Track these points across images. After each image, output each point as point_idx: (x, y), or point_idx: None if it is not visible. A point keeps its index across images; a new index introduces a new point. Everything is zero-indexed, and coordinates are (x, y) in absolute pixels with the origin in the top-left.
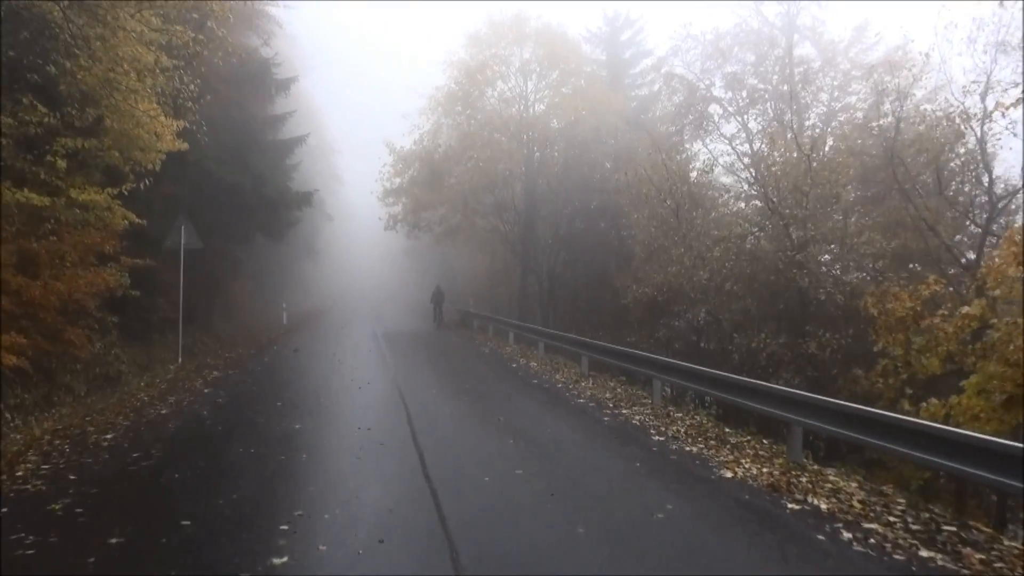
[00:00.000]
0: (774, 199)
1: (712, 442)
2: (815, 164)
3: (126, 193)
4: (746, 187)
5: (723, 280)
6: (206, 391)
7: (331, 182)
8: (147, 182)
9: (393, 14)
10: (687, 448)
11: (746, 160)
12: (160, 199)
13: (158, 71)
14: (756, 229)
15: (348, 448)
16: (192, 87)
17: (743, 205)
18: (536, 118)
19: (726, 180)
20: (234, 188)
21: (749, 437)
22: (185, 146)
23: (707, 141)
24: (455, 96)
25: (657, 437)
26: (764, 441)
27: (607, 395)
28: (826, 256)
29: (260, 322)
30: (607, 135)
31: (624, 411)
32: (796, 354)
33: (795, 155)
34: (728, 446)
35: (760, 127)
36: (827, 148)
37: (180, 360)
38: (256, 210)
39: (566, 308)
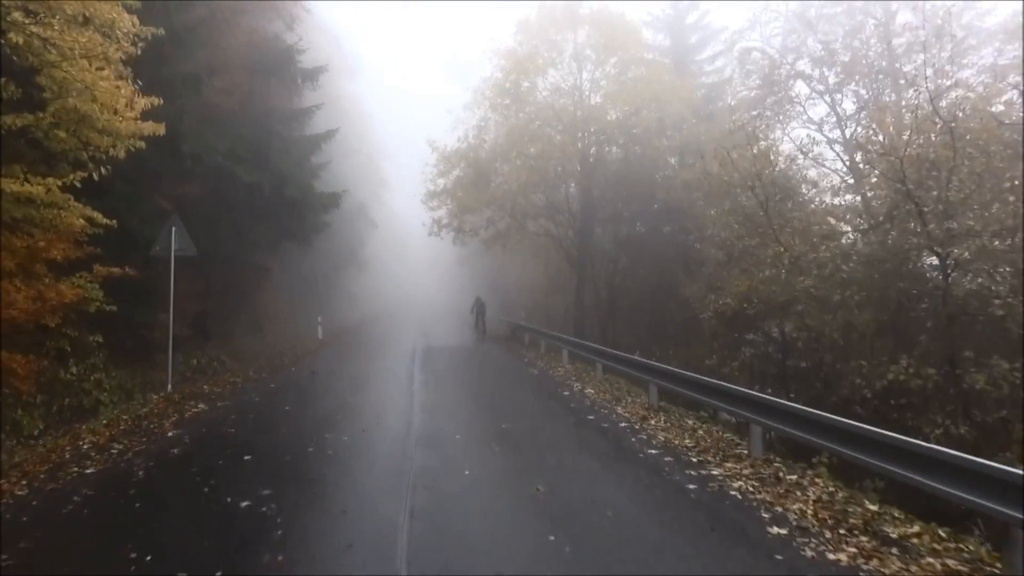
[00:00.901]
0: (901, 183)
1: (864, 538)
2: (962, 138)
3: (78, 185)
4: (838, 179)
5: (832, 288)
6: (170, 434)
7: (379, 189)
8: (104, 170)
9: (437, 14)
10: (831, 554)
11: (838, 147)
12: (161, 199)
13: (119, 35)
14: (863, 225)
15: (300, 554)
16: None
17: (837, 200)
18: (592, 109)
19: (811, 173)
20: (252, 189)
21: (918, 529)
22: (160, 129)
23: (789, 128)
24: (502, 88)
25: (776, 530)
26: (942, 532)
27: (686, 441)
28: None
29: (292, 337)
30: (672, 127)
31: (714, 470)
32: (947, 390)
33: (910, 135)
34: (894, 548)
35: (855, 107)
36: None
37: (169, 387)
38: (277, 213)
39: (626, 321)
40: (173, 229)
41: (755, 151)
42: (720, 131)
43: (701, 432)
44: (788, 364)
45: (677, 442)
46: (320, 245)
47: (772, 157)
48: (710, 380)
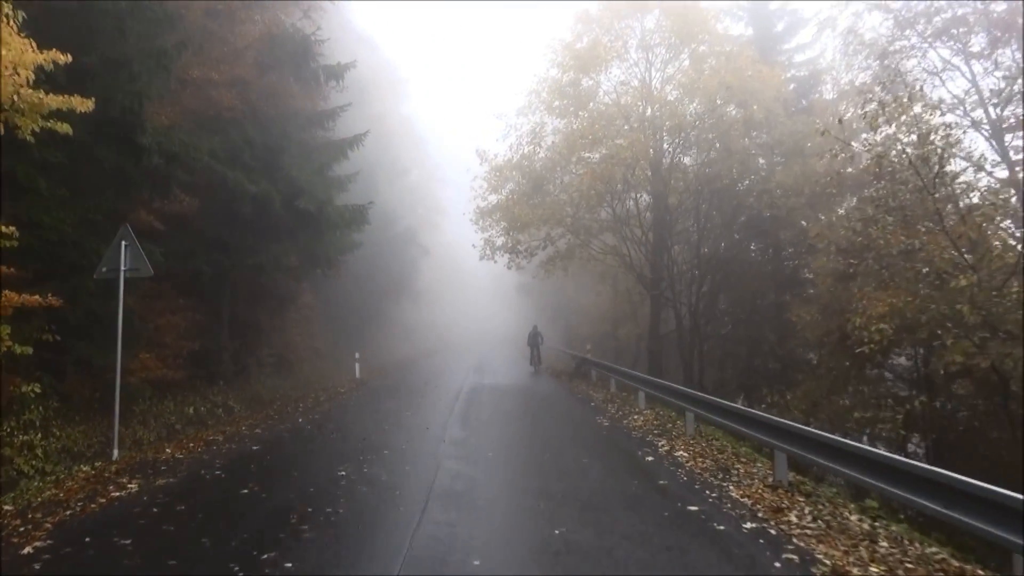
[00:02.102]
0: None
1: None
2: None
3: None
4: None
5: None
6: (25, 549)
7: (433, 215)
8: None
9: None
10: None
11: (985, 130)
12: (143, 211)
13: None
14: None
15: None
16: None
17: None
18: (665, 105)
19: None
20: (260, 201)
21: None
22: (86, 105)
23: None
24: (559, 87)
25: None
26: None
27: (862, 554)
28: None
29: (327, 376)
30: (761, 123)
31: None
32: None
33: None
34: None
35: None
36: None
37: (115, 451)
38: (292, 231)
39: (713, 353)
40: (124, 244)
41: (909, 116)
42: (817, 126)
43: (886, 544)
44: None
45: (857, 573)
46: (361, 272)
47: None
48: (897, 459)
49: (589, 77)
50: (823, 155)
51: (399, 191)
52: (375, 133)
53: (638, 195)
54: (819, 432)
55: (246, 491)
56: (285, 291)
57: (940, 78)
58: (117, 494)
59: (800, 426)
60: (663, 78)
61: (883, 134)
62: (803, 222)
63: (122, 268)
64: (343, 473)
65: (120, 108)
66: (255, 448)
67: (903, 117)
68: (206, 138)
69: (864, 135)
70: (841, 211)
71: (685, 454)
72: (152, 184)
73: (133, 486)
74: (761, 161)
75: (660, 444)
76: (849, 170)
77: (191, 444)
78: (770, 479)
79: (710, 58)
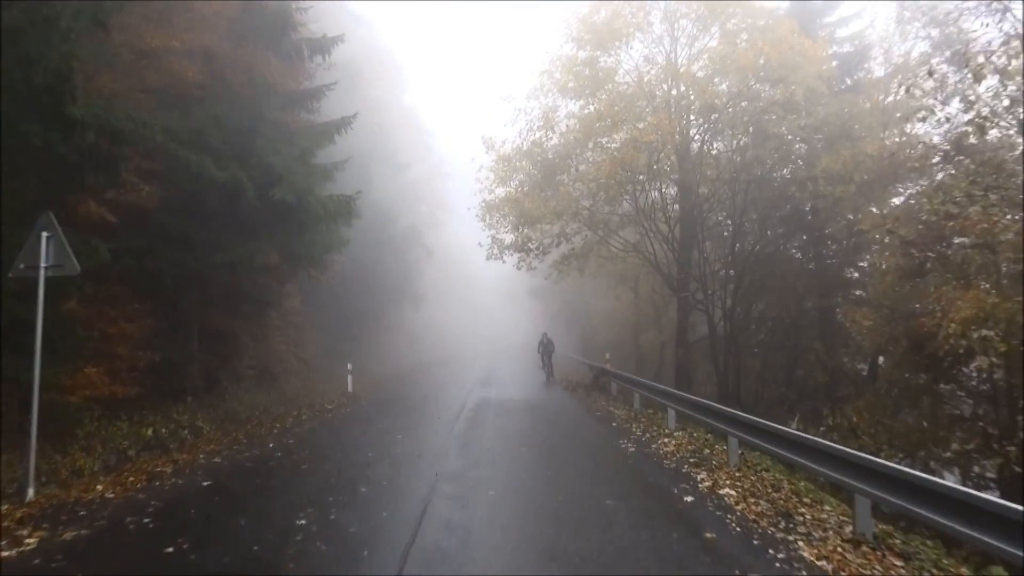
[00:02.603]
0: None
1: None
2: None
3: None
4: None
5: None
6: None
7: (437, 212)
8: None
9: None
10: None
11: None
12: (88, 200)
13: None
14: None
15: None
16: None
17: None
18: (693, 83)
19: None
20: (230, 189)
21: None
22: None
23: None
24: (574, 66)
25: None
26: None
27: None
28: None
29: (314, 390)
30: (798, 106)
31: None
32: None
33: None
34: None
35: None
36: None
37: (30, 491)
38: (269, 224)
39: (751, 363)
40: (45, 236)
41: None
42: (867, 106)
43: None
44: None
45: None
46: (357, 275)
47: None
48: None
49: (608, 54)
50: (875, 137)
51: (399, 187)
52: (372, 123)
53: (663, 185)
54: (927, 477)
55: (171, 550)
56: (266, 295)
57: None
58: (5, 554)
59: (893, 466)
60: (690, 55)
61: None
62: (849, 215)
63: (42, 265)
64: (302, 522)
65: (48, 73)
66: (205, 484)
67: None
68: (163, 115)
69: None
70: (898, 200)
71: (732, 492)
72: (96, 168)
73: (32, 540)
74: (800, 147)
75: (699, 478)
76: (911, 151)
77: (131, 478)
78: (847, 529)
79: (743, 32)
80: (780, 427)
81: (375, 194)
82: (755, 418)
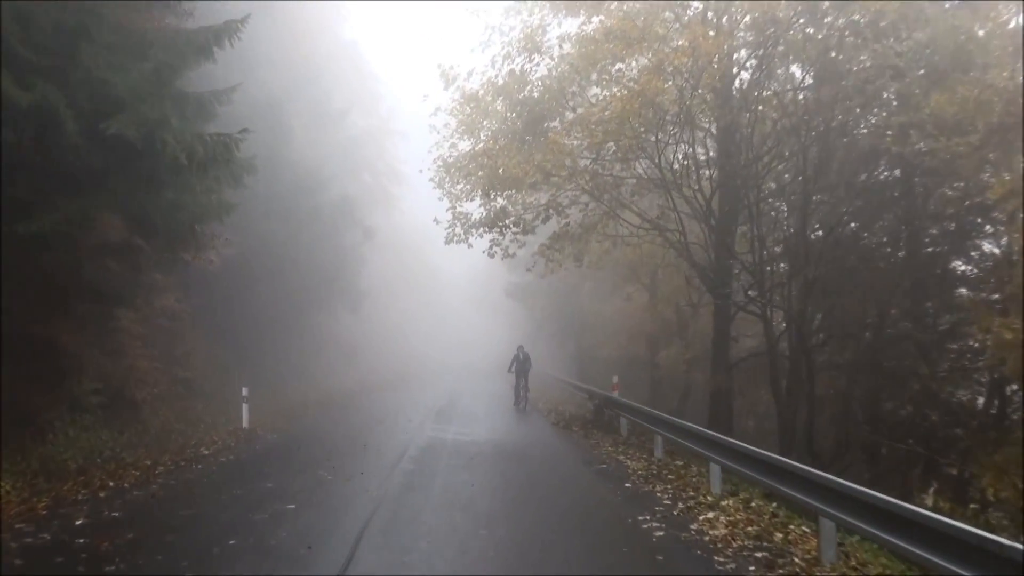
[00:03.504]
0: None
1: None
2: None
3: None
4: None
5: None
6: None
7: (386, 182)
8: None
9: None
10: None
11: None
12: None
13: None
14: None
15: None
16: None
17: None
18: None
19: None
20: (43, 120)
21: None
22: None
23: None
24: None
25: None
26: None
27: None
28: None
29: (195, 423)
30: (885, 31)
31: None
32: None
33: None
34: None
35: None
36: None
37: None
38: (101, 173)
39: (825, 394)
40: None
41: None
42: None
43: None
44: None
45: None
46: (265, 263)
47: None
48: None
49: None
50: (1006, 67)
51: (332, 144)
52: (294, 56)
53: (694, 139)
54: None
55: None
56: (117, 287)
57: None
58: None
59: None
60: None
61: None
62: (959, 183)
63: None
64: None
65: None
66: None
67: None
68: None
69: None
70: None
71: None
72: None
73: None
74: (887, 95)
75: None
76: None
77: None
78: None
79: None
80: (914, 508)
81: (295, 151)
82: (865, 489)
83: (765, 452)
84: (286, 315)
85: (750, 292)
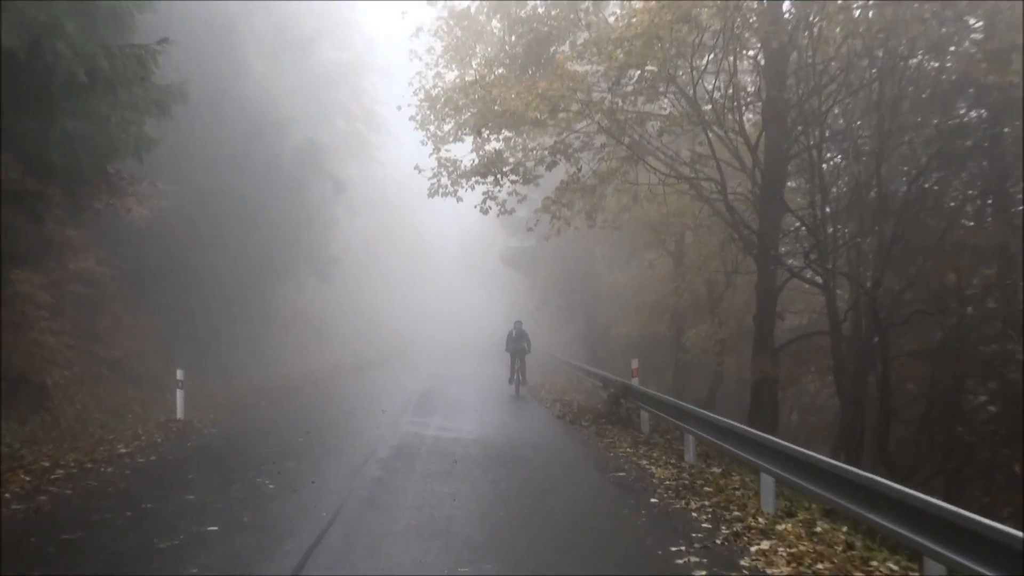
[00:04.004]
0: None
1: None
2: None
3: None
4: None
5: None
6: None
7: (363, 128)
8: None
9: None
10: None
11: None
12: None
13: None
14: None
15: None
16: None
17: None
18: None
19: None
20: None
21: None
22: None
23: None
24: None
25: None
26: None
27: None
28: None
29: (119, 414)
30: None
31: None
32: None
33: None
34: None
35: None
36: None
37: None
38: None
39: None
40: None
41: None
42: None
43: None
44: None
45: None
46: (213, 219)
47: None
48: None
49: None
50: None
51: (295, 79)
52: None
53: (736, 61)
54: None
55: None
56: (12, 243)
57: None
58: None
59: None
60: None
61: None
62: None
63: None
64: None
65: None
66: None
67: None
68: None
69: None
70: None
71: None
72: None
73: None
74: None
75: None
76: None
77: None
78: None
79: None
80: None
81: (250, 86)
82: (1001, 528)
83: (847, 467)
84: (240, 284)
85: (811, 255)
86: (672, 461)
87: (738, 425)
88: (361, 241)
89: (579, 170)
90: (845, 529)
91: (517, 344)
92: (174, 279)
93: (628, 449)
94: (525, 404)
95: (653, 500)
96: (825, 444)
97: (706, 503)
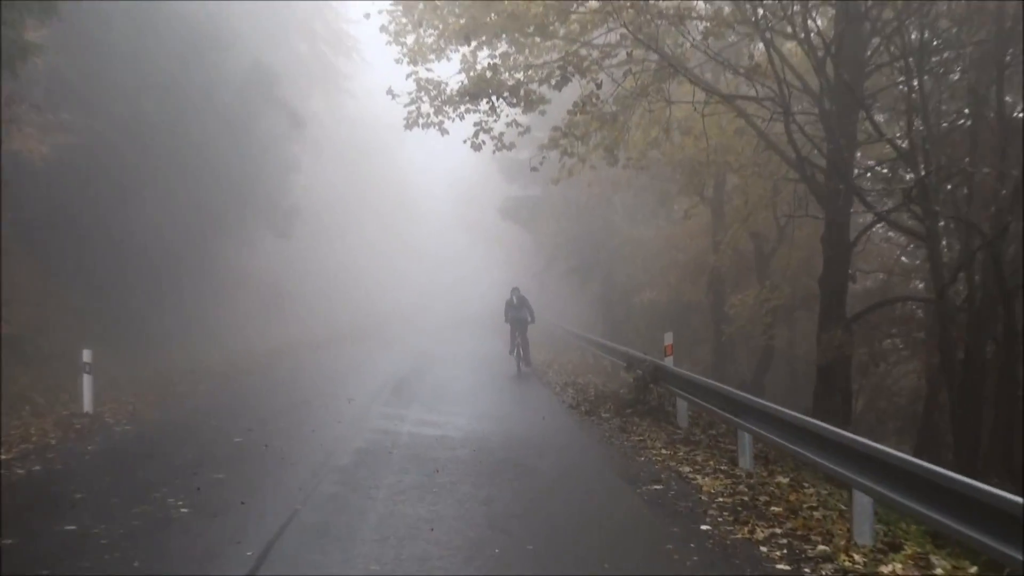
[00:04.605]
0: None
1: None
2: None
3: None
4: None
5: None
6: None
7: (332, 53)
8: None
9: None
10: None
11: None
12: None
13: None
14: None
15: None
16: None
17: None
18: None
19: None
20: None
21: None
22: None
23: None
24: None
25: None
26: None
27: None
28: None
29: (16, 402)
30: None
31: None
32: None
33: None
34: None
35: None
36: None
37: None
38: None
39: None
40: None
41: None
42: None
43: None
44: None
45: None
46: (137, 161)
47: None
48: None
49: None
50: None
51: None
52: None
53: None
54: None
55: None
56: None
57: None
58: None
59: None
60: None
61: None
62: None
63: None
64: None
65: None
66: None
67: None
68: None
69: None
70: None
71: None
72: None
73: None
74: None
75: None
76: None
77: None
78: None
79: None
80: None
81: None
82: None
83: (998, 492)
84: (174, 240)
85: (912, 191)
86: (723, 467)
87: (823, 426)
88: (331, 192)
89: (599, 86)
90: (975, 571)
91: (517, 313)
92: (87, 236)
93: (663, 450)
94: (529, 388)
95: (705, 527)
96: (896, 436)
97: (777, 531)
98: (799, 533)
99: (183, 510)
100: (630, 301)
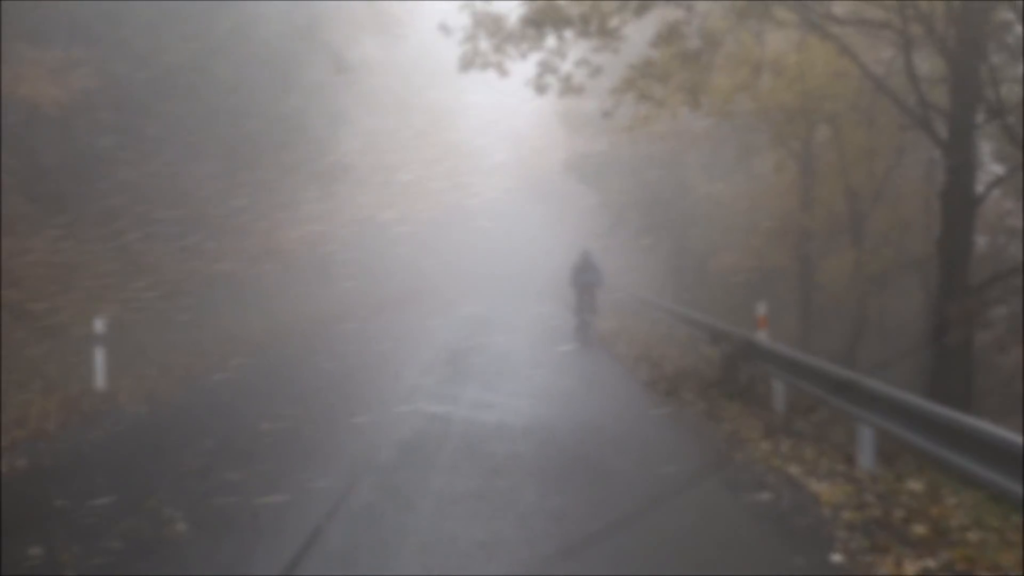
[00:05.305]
0: None
1: None
2: None
3: None
4: None
5: None
6: None
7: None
8: None
9: None
10: None
11: None
12: None
13: None
14: None
15: None
16: None
17: None
18: None
19: None
20: None
21: None
22: None
23: None
24: None
25: None
26: None
27: None
28: None
29: (29, 376)
30: None
31: None
32: None
33: None
34: None
35: None
36: None
37: None
38: None
39: None
40: None
41: None
42: None
43: None
44: None
45: None
46: (165, 112)
47: None
48: None
49: None
50: None
51: None
52: None
53: None
54: None
55: None
56: None
57: None
58: None
59: None
60: None
61: None
62: None
63: None
64: None
65: None
66: None
67: None
68: None
69: None
70: None
71: None
72: None
73: None
74: None
75: None
76: None
77: None
78: None
79: None
80: None
81: None
82: None
83: None
84: (205, 197)
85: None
86: (839, 467)
87: (986, 427)
88: (382, 147)
89: (689, 9)
90: None
91: (585, 277)
92: (106, 191)
93: (762, 444)
94: (599, 362)
95: (836, 558)
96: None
97: (930, 564)
98: (959, 568)
99: (179, 526)
100: (704, 266)
